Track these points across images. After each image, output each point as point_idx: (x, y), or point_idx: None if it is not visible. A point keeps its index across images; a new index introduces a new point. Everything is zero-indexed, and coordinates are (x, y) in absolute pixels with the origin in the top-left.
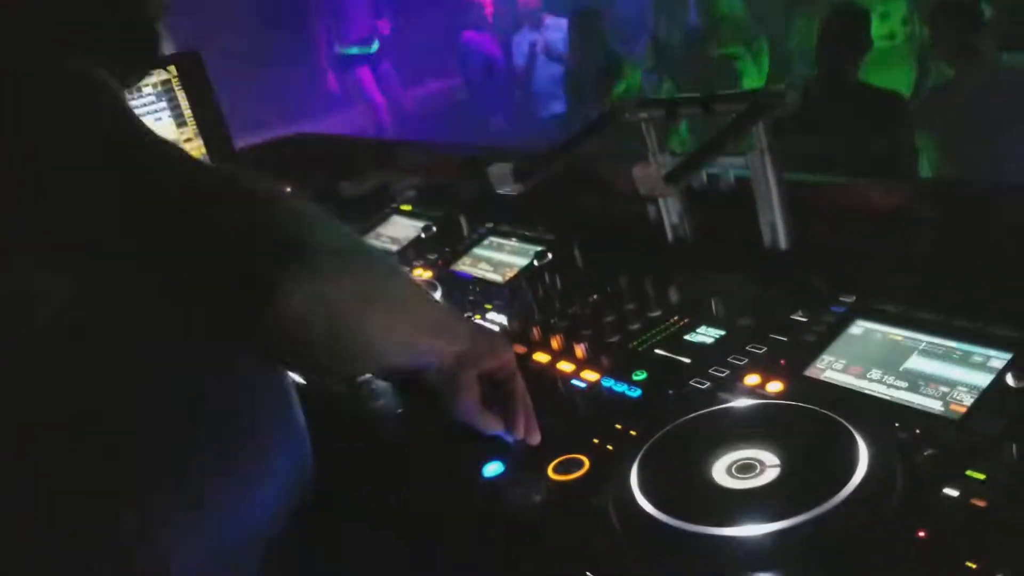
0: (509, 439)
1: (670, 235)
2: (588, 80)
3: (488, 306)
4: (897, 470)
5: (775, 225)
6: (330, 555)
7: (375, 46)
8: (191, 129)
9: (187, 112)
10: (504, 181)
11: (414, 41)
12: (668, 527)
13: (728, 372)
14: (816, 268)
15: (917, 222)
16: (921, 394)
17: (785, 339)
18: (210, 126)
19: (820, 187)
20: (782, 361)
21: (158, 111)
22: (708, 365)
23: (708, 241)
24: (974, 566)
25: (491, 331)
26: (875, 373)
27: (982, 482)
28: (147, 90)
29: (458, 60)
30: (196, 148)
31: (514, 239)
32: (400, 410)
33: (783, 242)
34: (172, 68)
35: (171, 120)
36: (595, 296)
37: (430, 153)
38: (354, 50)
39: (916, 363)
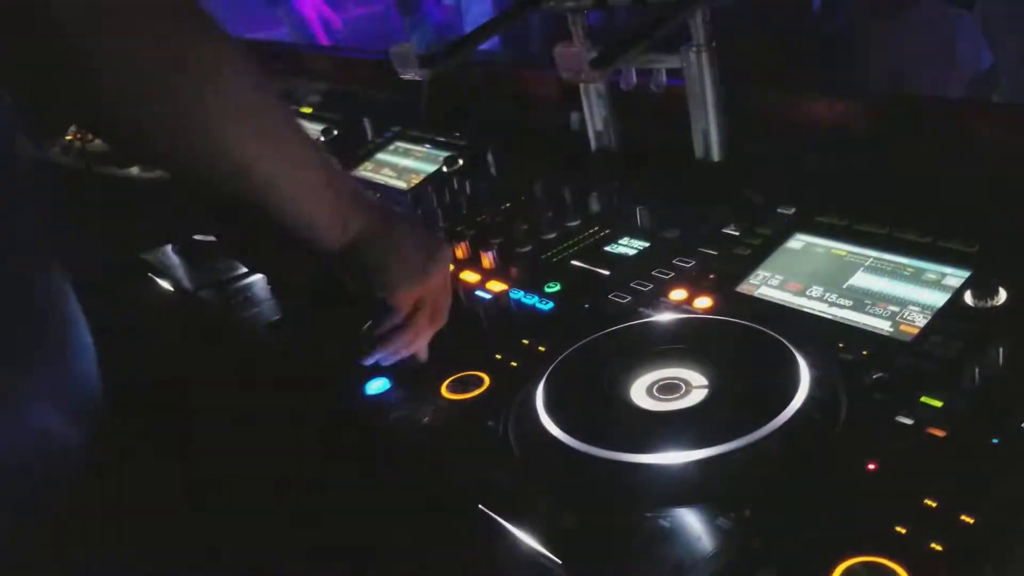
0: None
1: (593, 143)
2: None
3: None
4: (841, 393)
5: (708, 133)
6: (194, 489)
7: None
8: None
9: None
10: (406, 63)
11: None
12: (576, 452)
13: (651, 286)
14: (751, 182)
15: (861, 136)
16: (867, 313)
17: (715, 253)
18: None
19: (758, 98)
20: (711, 276)
21: None
22: (629, 279)
23: (634, 151)
24: (933, 504)
25: (428, 232)
26: (816, 290)
27: (939, 409)
28: None
29: None
30: None
31: (424, 144)
32: (277, 318)
33: (716, 153)
34: None
35: None
36: (507, 204)
37: (337, 60)
38: None
39: (862, 280)
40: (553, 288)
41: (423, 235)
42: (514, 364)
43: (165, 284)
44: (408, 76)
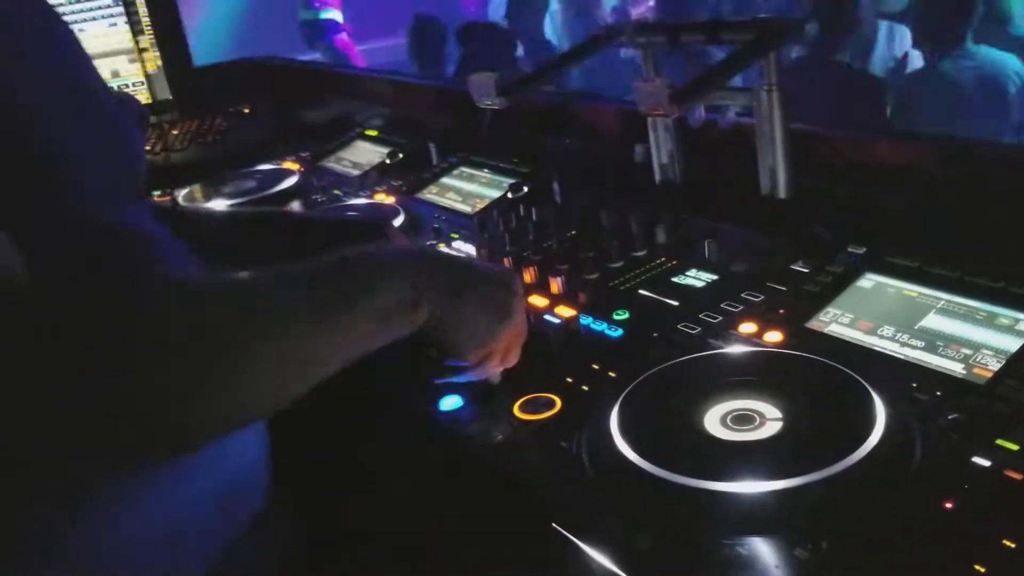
0: (471, 378)
1: (658, 176)
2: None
3: (454, 235)
4: (917, 432)
5: (776, 170)
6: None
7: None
8: (147, 39)
9: (145, 20)
10: (486, 92)
11: None
12: (652, 476)
13: (721, 318)
14: (820, 219)
15: (931, 178)
16: (940, 355)
17: (784, 288)
18: (169, 39)
19: (828, 138)
20: (780, 311)
21: (113, 16)
22: (698, 309)
23: (699, 184)
24: (1012, 545)
25: (494, 269)
26: (887, 330)
27: (1015, 452)
28: None
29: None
30: (152, 60)
31: (487, 171)
32: None
33: (783, 190)
34: None
35: (127, 27)
36: (573, 232)
37: (398, 85)
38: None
39: (933, 322)
40: (622, 315)
41: (493, 291)
42: (585, 388)
43: None
44: (485, 104)
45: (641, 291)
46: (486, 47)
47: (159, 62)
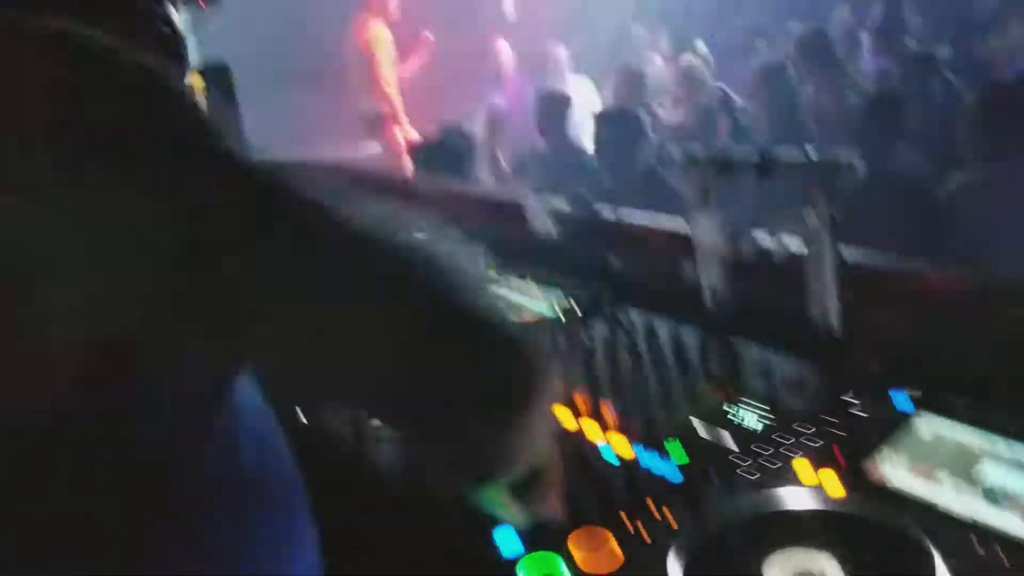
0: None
1: (709, 301)
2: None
3: None
4: None
5: (827, 307)
6: None
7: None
8: None
9: None
10: (539, 216)
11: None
12: None
13: (773, 453)
14: (873, 354)
15: (988, 315)
16: (1000, 508)
17: (837, 422)
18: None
19: (882, 273)
20: (834, 447)
21: None
22: (751, 441)
23: (750, 312)
24: None
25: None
26: (943, 476)
27: None
28: None
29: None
30: None
31: (533, 283)
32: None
33: (834, 320)
34: (198, 79)
35: None
36: (624, 355)
37: (449, 193)
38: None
39: (991, 471)
40: (674, 445)
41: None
42: (641, 530)
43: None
44: (539, 227)
45: (693, 419)
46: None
47: None
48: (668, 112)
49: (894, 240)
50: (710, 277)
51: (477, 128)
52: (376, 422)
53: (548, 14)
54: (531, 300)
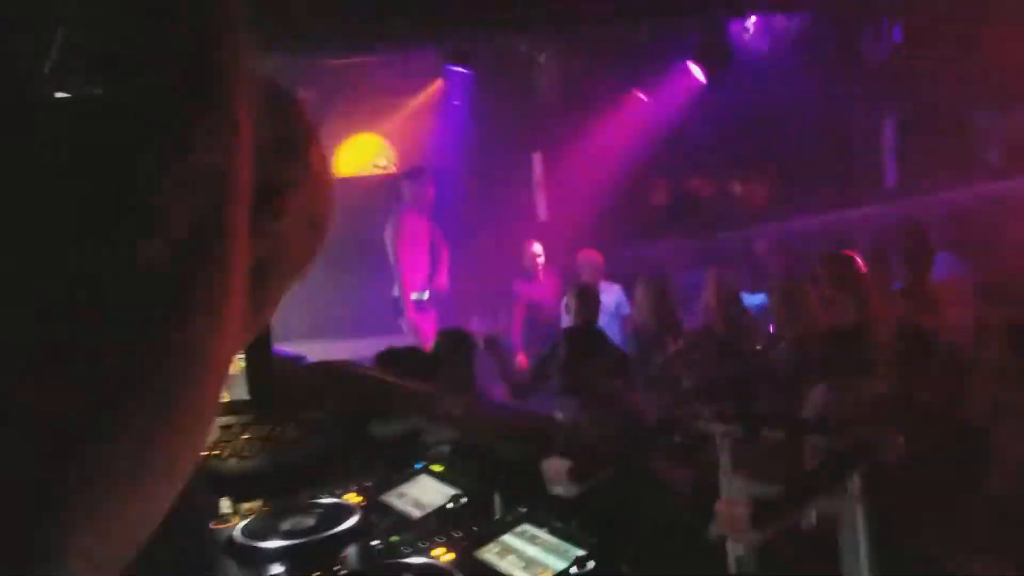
0: None
1: (734, 568)
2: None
3: None
4: None
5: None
6: None
7: (426, 294)
8: None
9: None
10: (559, 479)
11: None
12: None
13: None
14: None
15: None
16: None
17: None
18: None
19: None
20: None
21: None
22: None
23: None
24: None
25: None
26: None
27: None
28: None
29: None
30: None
31: (551, 533)
32: None
33: None
34: None
35: None
36: None
37: (470, 407)
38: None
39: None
40: None
41: None
42: None
43: None
44: (558, 492)
45: None
46: None
47: (242, 364)
48: None
49: None
50: (736, 546)
51: None
52: None
53: None
54: (547, 553)
